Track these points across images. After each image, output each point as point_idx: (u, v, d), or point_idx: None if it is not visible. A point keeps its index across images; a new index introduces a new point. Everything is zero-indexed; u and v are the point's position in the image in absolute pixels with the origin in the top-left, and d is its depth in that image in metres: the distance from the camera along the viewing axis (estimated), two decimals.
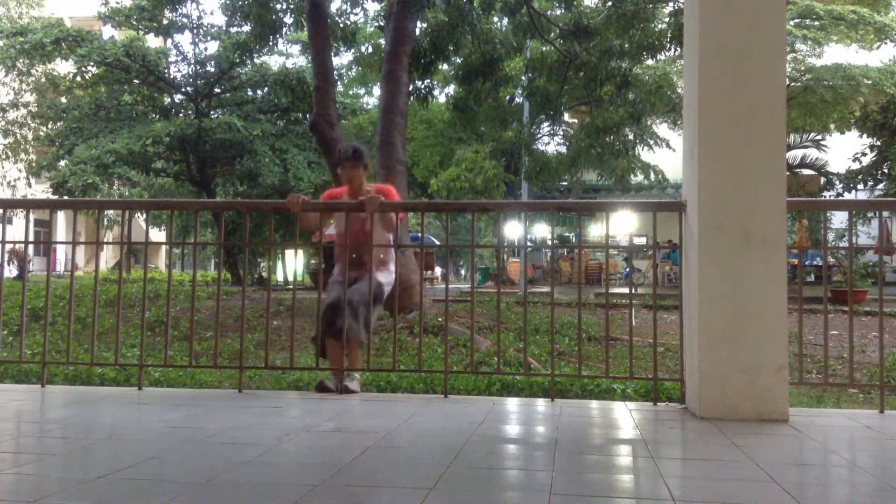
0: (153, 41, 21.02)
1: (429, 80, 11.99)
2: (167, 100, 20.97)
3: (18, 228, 4.77)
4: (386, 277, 4.31)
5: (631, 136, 15.41)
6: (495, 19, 14.14)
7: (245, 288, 4.33)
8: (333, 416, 3.29)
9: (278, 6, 11.51)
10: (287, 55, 23.15)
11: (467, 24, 10.78)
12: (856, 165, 15.72)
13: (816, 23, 16.79)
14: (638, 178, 19.03)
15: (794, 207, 5.98)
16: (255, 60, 19.63)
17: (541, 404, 3.74)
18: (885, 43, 17.44)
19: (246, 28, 13.64)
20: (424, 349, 5.24)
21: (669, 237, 4.14)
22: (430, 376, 4.89)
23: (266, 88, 20.25)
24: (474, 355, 4.32)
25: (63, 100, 20.85)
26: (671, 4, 11.65)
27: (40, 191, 22.46)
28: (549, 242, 4.91)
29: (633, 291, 5.71)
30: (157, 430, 2.99)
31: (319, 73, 9.63)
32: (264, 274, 21.65)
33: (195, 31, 19.43)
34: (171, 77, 20.09)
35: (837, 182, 16.70)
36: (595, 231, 21.99)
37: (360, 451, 2.59)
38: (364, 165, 4.29)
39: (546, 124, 18.78)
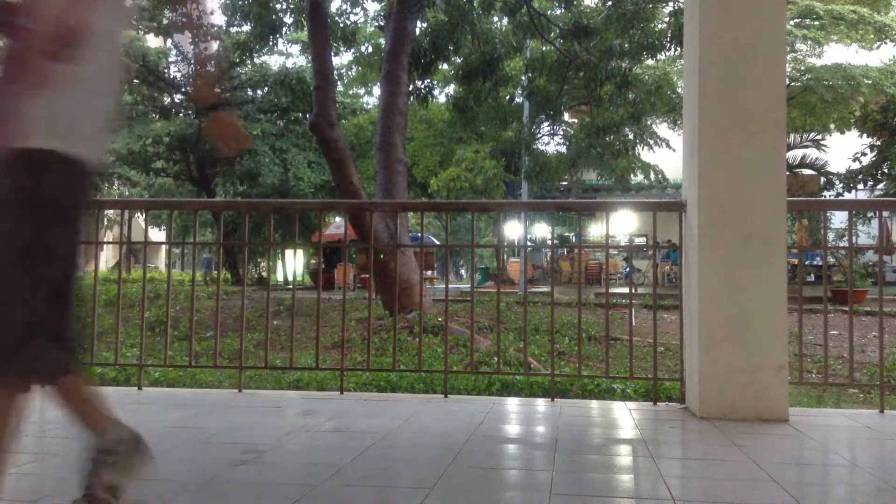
0: (153, 41, 21.01)
1: (429, 80, 12.01)
2: (167, 100, 20.97)
3: None
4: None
5: (631, 136, 15.42)
6: (495, 19, 14.14)
7: (245, 288, 4.33)
8: (333, 416, 3.29)
9: (278, 6, 11.51)
10: (287, 55, 23.23)
11: (467, 24, 10.80)
12: (856, 165, 15.73)
13: (816, 23, 16.81)
14: (638, 178, 19.03)
15: (794, 207, 5.98)
16: (255, 60, 19.63)
17: (541, 404, 3.74)
18: (885, 43, 17.44)
19: (246, 28, 13.64)
20: (424, 349, 5.24)
21: (669, 237, 4.14)
22: (430, 376, 4.89)
23: (266, 88, 20.26)
24: (474, 355, 4.32)
25: None
26: (671, 4, 11.66)
27: None
28: (549, 242, 4.91)
29: (633, 291, 5.71)
30: (157, 430, 2.98)
31: (319, 72, 9.63)
32: (264, 274, 21.63)
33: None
34: (171, 77, 20.08)
35: (837, 182, 16.70)
36: (595, 231, 21.99)
37: (360, 451, 2.58)
38: None
39: (546, 124, 18.78)
